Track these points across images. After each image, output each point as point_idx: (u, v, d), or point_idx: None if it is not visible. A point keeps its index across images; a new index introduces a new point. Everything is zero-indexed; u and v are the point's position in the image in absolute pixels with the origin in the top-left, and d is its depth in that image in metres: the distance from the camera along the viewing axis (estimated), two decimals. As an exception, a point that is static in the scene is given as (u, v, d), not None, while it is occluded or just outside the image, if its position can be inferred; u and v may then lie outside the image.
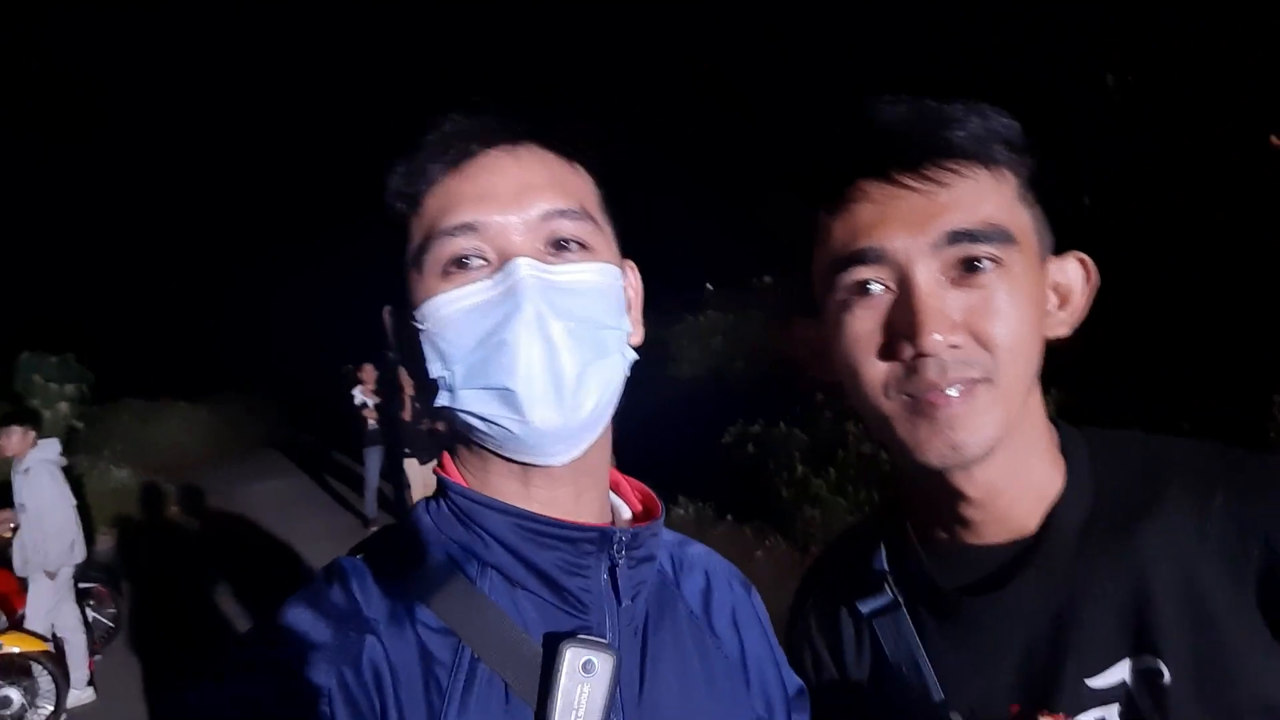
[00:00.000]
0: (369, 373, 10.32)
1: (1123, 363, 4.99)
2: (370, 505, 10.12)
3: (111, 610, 6.83)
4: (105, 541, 9.94)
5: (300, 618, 0.79)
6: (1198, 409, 4.32)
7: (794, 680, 1.03)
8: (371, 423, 10.06)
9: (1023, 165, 0.88)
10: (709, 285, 14.67)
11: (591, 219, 0.88)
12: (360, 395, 10.16)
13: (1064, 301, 0.92)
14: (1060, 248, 0.93)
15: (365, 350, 10.51)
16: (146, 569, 8.80)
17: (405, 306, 0.88)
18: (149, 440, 14.97)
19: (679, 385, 11.16)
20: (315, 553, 8.30)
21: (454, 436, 0.92)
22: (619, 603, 0.87)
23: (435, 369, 0.84)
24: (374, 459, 10.08)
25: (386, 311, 0.94)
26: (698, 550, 1.06)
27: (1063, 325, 0.91)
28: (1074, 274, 0.92)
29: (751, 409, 8.73)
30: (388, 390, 9.87)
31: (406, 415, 9.06)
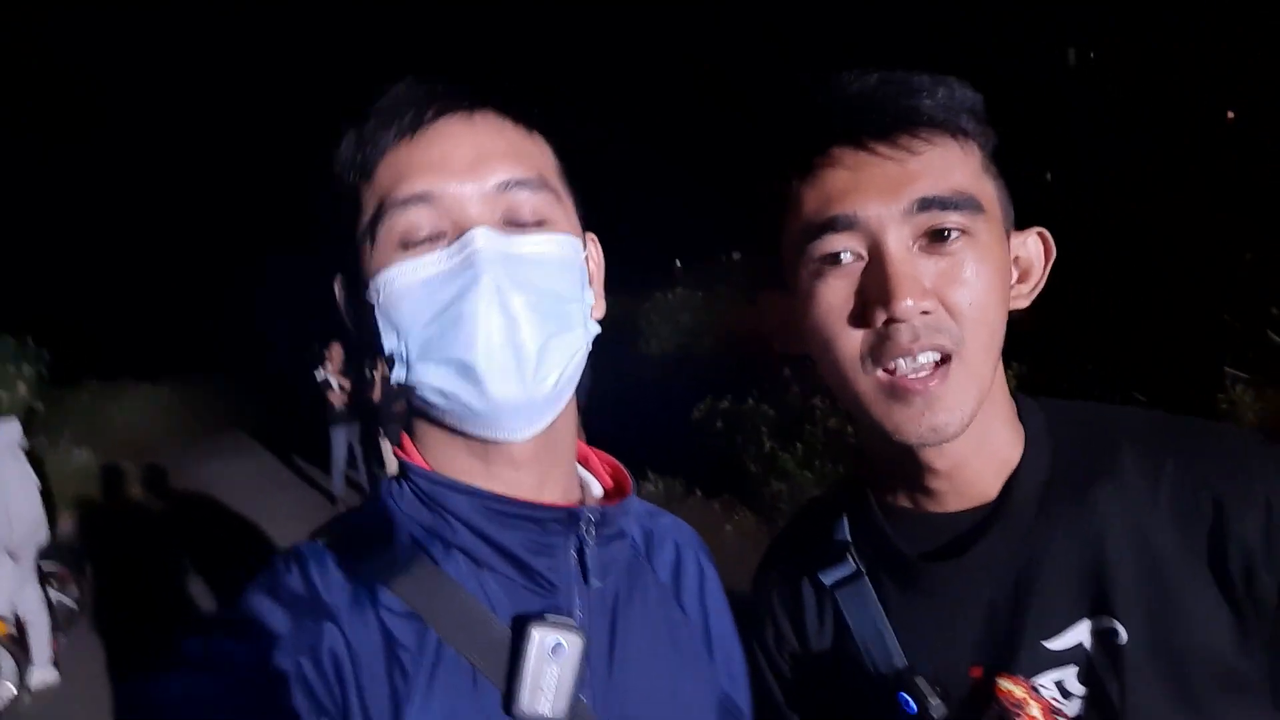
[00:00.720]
0: (335, 351, 10.19)
1: (1081, 337, 5.08)
2: (338, 484, 10.04)
3: (74, 592, 6.73)
4: (67, 524, 9.76)
5: (257, 607, 0.77)
6: (1152, 382, 4.43)
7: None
8: (337, 403, 9.96)
9: (986, 137, 0.89)
10: (678, 262, 14.66)
11: (551, 190, 0.85)
12: (324, 374, 10.04)
13: (1024, 275, 0.93)
14: (1029, 223, 0.95)
15: (332, 329, 10.39)
16: (110, 550, 8.66)
17: (357, 279, 0.86)
18: (110, 422, 14.68)
19: (649, 362, 11.18)
20: (282, 532, 8.23)
21: (413, 415, 0.90)
22: (588, 582, 0.86)
23: (390, 343, 0.82)
24: (340, 438, 9.98)
25: (337, 283, 0.91)
26: (668, 521, 1.05)
27: (1023, 298, 0.93)
28: (1034, 248, 0.94)
29: (720, 385, 8.78)
30: (357, 369, 9.77)
31: (376, 395, 8.95)
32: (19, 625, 5.69)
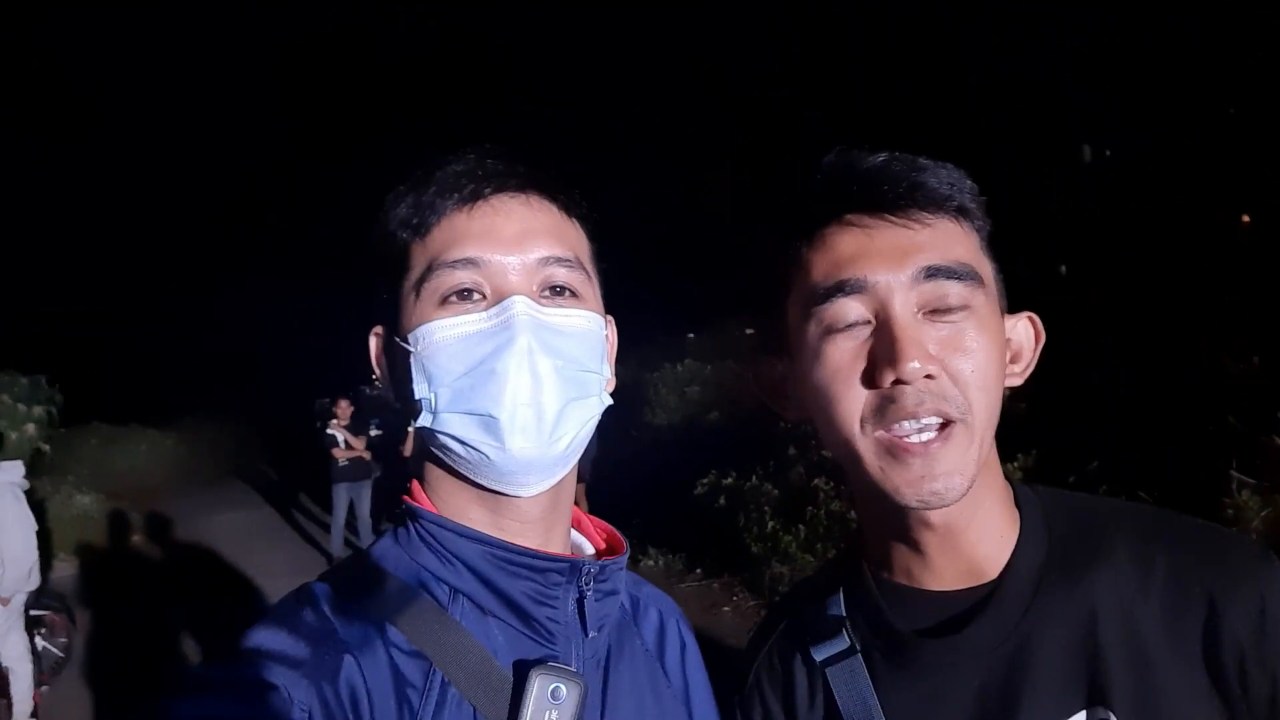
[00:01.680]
0: (344, 408, 10.22)
1: (1088, 436, 5.08)
2: (336, 543, 9.93)
3: (63, 640, 6.63)
4: (65, 569, 9.69)
5: (277, 637, 0.81)
6: (1158, 483, 4.41)
7: None
8: (342, 460, 9.93)
9: (984, 222, 0.94)
10: (690, 334, 14.77)
11: (583, 270, 0.93)
12: (333, 430, 10.04)
13: (1016, 356, 0.97)
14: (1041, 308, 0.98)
15: (341, 384, 10.45)
16: (105, 598, 8.58)
17: (395, 329, 0.92)
18: (115, 466, 14.70)
19: (654, 433, 11.17)
20: (277, 589, 8.07)
21: (425, 465, 0.95)
22: (585, 633, 0.90)
23: (420, 390, 0.88)
24: (342, 496, 9.93)
25: (374, 332, 0.97)
26: (650, 590, 1.10)
27: (1015, 378, 0.96)
28: (1024, 332, 0.98)
29: (724, 460, 8.75)
30: (365, 425, 9.82)
31: (407, 451, 8.96)
32: (1, 672, 5.59)
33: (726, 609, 7.01)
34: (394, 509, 0.95)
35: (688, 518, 8.36)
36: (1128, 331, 5.83)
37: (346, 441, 10.01)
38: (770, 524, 7.27)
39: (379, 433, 10.19)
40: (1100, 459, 4.97)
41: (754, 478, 8.13)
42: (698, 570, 7.95)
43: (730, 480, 8.37)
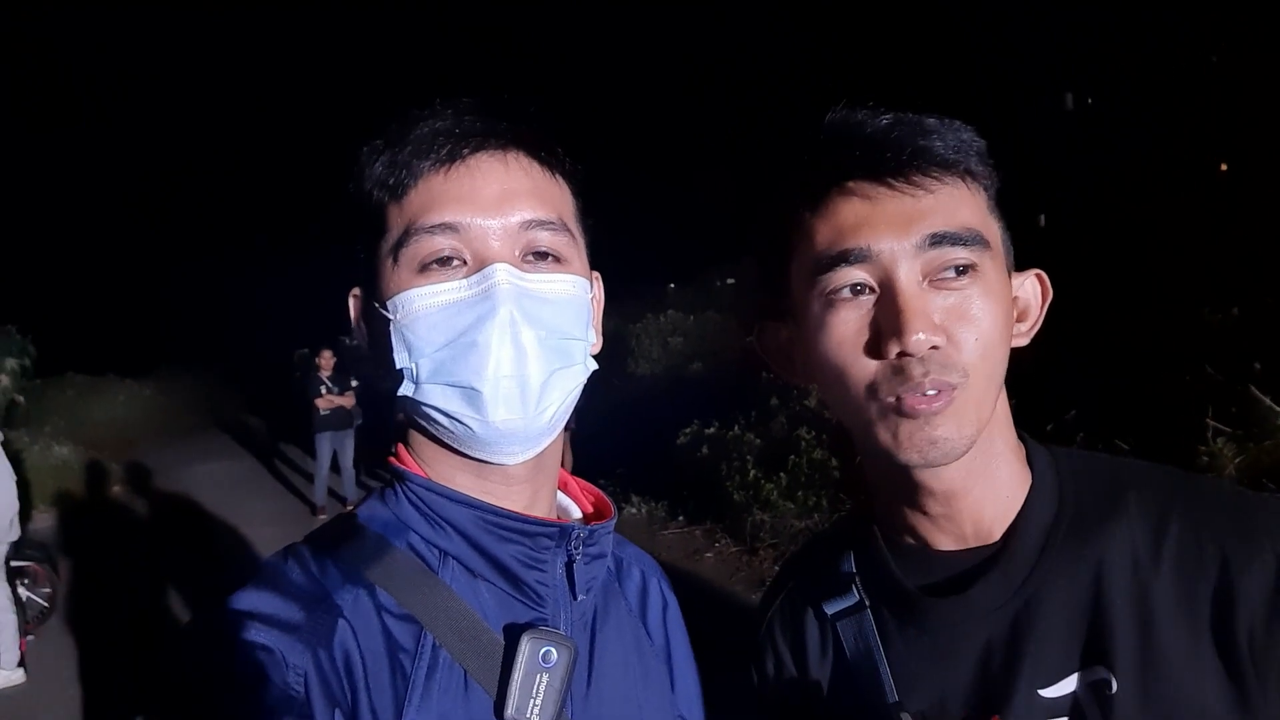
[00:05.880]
0: (326, 359, 10.16)
1: (1067, 383, 5.13)
2: (320, 493, 9.96)
3: (46, 590, 6.64)
4: (44, 519, 9.68)
5: (270, 600, 0.79)
6: (1136, 430, 4.47)
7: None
8: (324, 409, 9.90)
9: (991, 180, 0.92)
10: (671, 285, 14.74)
11: (568, 231, 0.89)
12: (319, 380, 9.99)
13: (1023, 315, 0.95)
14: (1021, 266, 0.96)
15: (320, 334, 10.38)
16: (86, 548, 8.58)
17: (373, 293, 0.89)
18: (92, 417, 14.59)
19: (638, 383, 11.20)
20: (260, 538, 8.16)
21: (408, 429, 0.93)
22: (573, 596, 0.90)
23: (401, 359, 0.85)
24: (325, 446, 9.92)
25: (353, 294, 0.94)
26: (633, 550, 1.10)
27: (1021, 337, 0.95)
28: (1032, 290, 0.96)
29: (707, 410, 8.79)
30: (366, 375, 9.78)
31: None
32: (-13, 623, 5.60)
33: (709, 555, 7.10)
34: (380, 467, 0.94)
35: (670, 466, 8.42)
36: (1107, 281, 5.86)
37: (332, 390, 9.97)
38: (752, 472, 7.34)
39: (357, 383, 10.16)
40: (1078, 408, 5.03)
41: (736, 427, 8.19)
42: (680, 518, 8.03)
43: (713, 430, 8.43)
